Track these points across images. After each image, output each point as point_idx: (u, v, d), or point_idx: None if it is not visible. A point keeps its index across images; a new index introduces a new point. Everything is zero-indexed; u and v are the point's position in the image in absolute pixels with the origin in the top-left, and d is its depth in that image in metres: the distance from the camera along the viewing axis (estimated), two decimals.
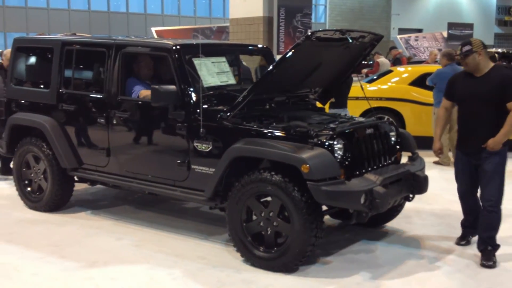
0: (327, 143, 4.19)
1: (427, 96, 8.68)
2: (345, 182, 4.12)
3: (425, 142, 8.66)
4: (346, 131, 4.40)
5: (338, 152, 4.22)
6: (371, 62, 14.96)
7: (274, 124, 4.49)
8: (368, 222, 4.67)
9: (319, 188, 3.97)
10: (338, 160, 4.18)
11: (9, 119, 5.69)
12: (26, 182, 5.64)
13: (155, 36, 20.36)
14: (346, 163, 4.25)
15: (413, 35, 22.65)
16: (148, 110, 4.82)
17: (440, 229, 5.31)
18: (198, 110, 4.51)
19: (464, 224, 4.85)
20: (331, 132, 4.27)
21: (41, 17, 27.67)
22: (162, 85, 4.64)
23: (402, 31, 28.99)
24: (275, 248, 4.24)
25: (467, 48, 4.36)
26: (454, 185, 6.92)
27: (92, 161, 5.26)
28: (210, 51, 5.18)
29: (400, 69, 10.37)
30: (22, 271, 4.15)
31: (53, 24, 27.40)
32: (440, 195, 6.49)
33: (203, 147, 4.55)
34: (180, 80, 4.66)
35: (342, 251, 4.69)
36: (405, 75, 9.68)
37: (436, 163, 8.27)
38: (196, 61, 4.85)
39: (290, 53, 4.37)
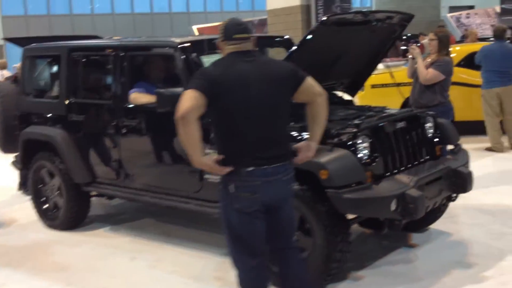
0: (349, 143, 3.66)
1: (476, 77, 7.92)
2: (372, 187, 3.59)
3: (476, 127, 7.95)
4: (373, 126, 3.86)
5: (363, 152, 3.69)
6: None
7: (292, 123, 3.99)
8: (408, 225, 4.13)
9: (341, 196, 3.46)
10: (363, 161, 3.65)
11: (21, 134, 5.44)
12: (43, 199, 5.39)
13: (197, 33, 20.13)
14: (374, 164, 3.71)
15: (464, 13, 21.37)
16: (156, 117, 4.43)
17: (492, 229, 4.68)
18: None
19: None
20: (354, 129, 3.74)
21: (86, 24, 28.07)
22: (171, 87, 4.25)
23: (453, 9, 27.56)
24: None
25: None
26: (508, 175, 6.29)
27: (105, 175, 4.93)
28: None
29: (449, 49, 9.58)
30: None
31: (98, 30, 27.74)
32: (492, 187, 5.84)
33: (216, 153, 4.11)
34: (187, 82, 4.22)
35: (377, 262, 4.15)
36: (453, 55, 8.90)
37: (488, 149, 7.54)
38: (205, 59, 4.42)
39: (302, 43, 3.89)
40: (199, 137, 2.77)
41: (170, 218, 5.39)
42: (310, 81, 2.97)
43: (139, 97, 4.52)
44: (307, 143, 3.04)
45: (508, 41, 8.11)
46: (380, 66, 12.19)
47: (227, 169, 2.84)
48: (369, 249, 4.42)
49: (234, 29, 2.93)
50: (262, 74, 2.88)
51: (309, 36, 3.90)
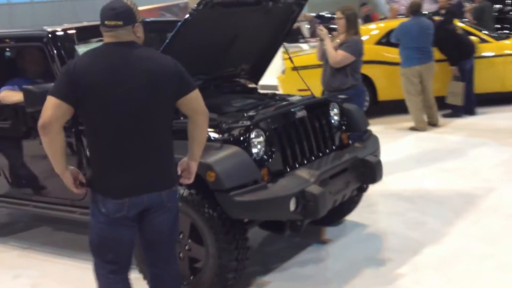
0: (241, 138, 3.28)
1: (397, 54, 7.69)
2: (268, 186, 3.23)
3: (399, 106, 7.77)
4: (269, 118, 3.49)
5: (258, 147, 3.31)
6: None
7: (182, 118, 3.57)
8: (321, 219, 3.78)
9: (231, 199, 3.08)
10: (258, 158, 3.28)
11: None
12: None
13: None
14: (270, 160, 3.35)
15: None
16: (29, 117, 3.90)
17: (409, 219, 4.44)
18: None
19: None
20: (248, 123, 3.36)
21: None
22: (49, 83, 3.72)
23: None
24: (191, 277, 3.36)
25: None
26: (429, 156, 6.11)
27: None
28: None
29: (372, 26, 9.38)
30: None
31: None
32: (413, 170, 5.64)
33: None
34: None
35: (285, 264, 3.82)
36: (375, 32, 8.70)
37: (412, 128, 7.37)
38: (80, 49, 3.92)
39: (182, 27, 3.45)
40: (62, 148, 2.51)
41: (71, 226, 4.87)
42: (196, 95, 2.57)
43: (9, 95, 3.98)
44: (187, 164, 2.69)
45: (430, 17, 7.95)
46: (305, 46, 11.97)
47: (81, 191, 2.61)
48: (278, 248, 4.09)
49: (106, 14, 2.48)
50: (137, 72, 2.42)
51: (189, 19, 3.45)
